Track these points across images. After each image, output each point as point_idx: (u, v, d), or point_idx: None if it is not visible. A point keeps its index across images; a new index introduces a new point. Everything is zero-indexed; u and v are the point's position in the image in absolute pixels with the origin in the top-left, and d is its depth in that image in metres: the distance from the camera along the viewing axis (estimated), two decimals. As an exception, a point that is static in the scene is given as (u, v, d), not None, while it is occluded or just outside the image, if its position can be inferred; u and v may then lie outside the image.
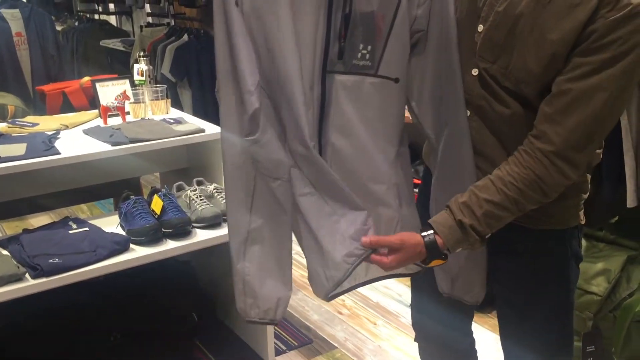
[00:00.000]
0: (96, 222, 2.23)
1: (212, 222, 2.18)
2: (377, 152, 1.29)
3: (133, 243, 2.06)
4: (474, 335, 1.65)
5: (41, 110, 3.04)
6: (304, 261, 1.32)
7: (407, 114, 1.35)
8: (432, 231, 1.18)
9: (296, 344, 2.49)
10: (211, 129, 2.38)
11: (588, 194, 1.30)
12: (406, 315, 2.65)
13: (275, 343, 2.42)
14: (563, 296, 1.31)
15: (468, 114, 1.26)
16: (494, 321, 2.55)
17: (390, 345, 2.48)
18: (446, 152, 1.31)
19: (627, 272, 2.09)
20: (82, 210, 3.88)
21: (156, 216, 2.15)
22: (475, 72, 1.23)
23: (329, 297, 1.26)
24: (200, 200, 2.23)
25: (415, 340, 1.64)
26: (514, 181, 1.14)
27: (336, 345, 2.48)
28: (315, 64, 1.22)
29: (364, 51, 1.24)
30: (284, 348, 2.46)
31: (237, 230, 1.32)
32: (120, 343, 2.17)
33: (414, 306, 1.59)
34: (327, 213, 1.24)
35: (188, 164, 2.68)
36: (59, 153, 2.16)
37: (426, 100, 1.30)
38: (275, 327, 2.56)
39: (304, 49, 1.20)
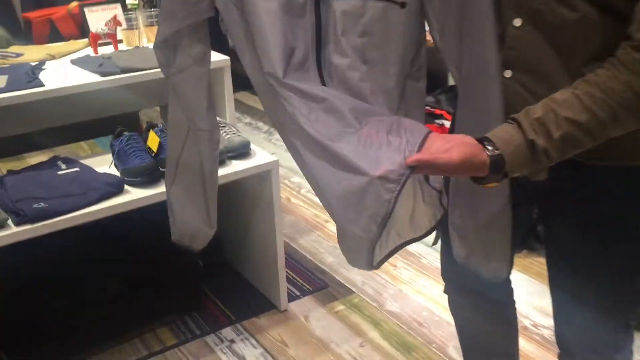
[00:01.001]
0: (89, 162, 2.03)
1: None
2: (380, 86, 1.09)
3: (128, 184, 1.86)
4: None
5: (32, 41, 2.81)
6: (317, 200, 1.11)
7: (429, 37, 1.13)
8: (496, 150, 0.93)
9: (311, 289, 2.31)
10: (215, 56, 2.14)
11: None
12: (427, 256, 2.47)
13: (288, 288, 2.25)
14: (635, 246, 1.09)
15: (519, 22, 1.01)
16: (525, 262, 2.37)
17: (411, 289, 2.30)
18: (467, 92, 1.09)
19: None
20: (82, 148, 3.69)
21: (153, 154, 1.94)
22: None
23: (373, 263, 1.04)
24: (202, 135, 2.01)
25: (445, 292, 1.44)
26: (607, 99, 0.90)
27: (354, 289, 2.30)
28: None
29: None
30: (298, 293, 2.29)
31: (172, 157, 1.43)
32: (118, 294, 2.00)
33: (445, 253, 1.38)
34: (347, 133, 1.00)
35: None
36: (42, 85, 1.94)
37: (449, 29, 1.07)
38: (288, 271, 2.39)
39: None
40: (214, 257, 2.36)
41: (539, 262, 2.35)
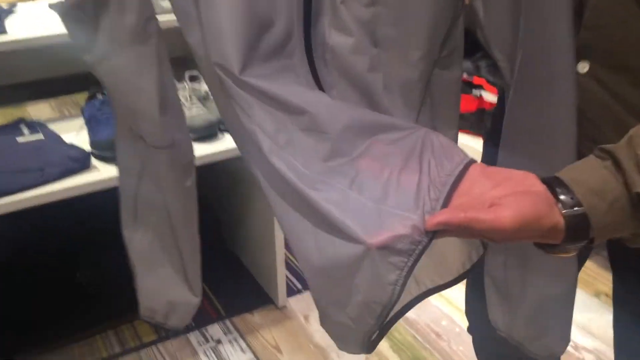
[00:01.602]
0: (63, 126, 1.75)
1: (203, 134, 1.66)
2: (398, 78, 0.74)
3: (97, 159, 1.57)
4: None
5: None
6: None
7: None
8: (578, 207, 0.57)
9: (315, 282, 2.02)
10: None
11: None
12: (454, 248, 2.14)
13: (288, 279, 1.97)
14: None
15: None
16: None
17: (431, 289, 1.99)
18: (521, 93, 0.74)
19: None
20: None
21: (130, 123, 1.63)
22: None
23: (370, 345, 0.71)
24: (191, 103, 1.70)
25: (469, 332, 1.14)
26: None
27: (364, 285, 2.01)
28: None
29: None
30: (299, 287, 2.00)
31: (127, 192, 0.95)
32: (88, 283, 1.73)
33: (471, 293, 1.07)
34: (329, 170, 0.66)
35: (184, 51, 2.12)
36: (4, 32, 1.63)
37: (497, 3, 0.72)
38: (291, 258, 2.10)
39: None
40: (209, 237, 2.08)
41: (585, 267, 2.00)
